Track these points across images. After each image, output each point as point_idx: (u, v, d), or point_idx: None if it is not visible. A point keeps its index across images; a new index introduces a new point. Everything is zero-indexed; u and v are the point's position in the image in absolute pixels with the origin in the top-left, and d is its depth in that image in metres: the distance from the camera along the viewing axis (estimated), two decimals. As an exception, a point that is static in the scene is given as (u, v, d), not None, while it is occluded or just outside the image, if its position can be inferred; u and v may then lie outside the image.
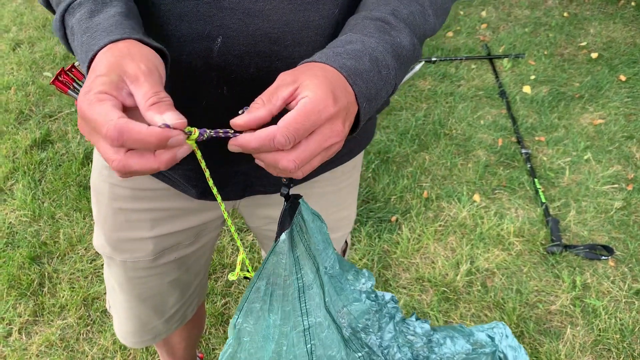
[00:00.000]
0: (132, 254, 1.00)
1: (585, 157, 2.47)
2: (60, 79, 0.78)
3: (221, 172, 0.87)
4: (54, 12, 0.70)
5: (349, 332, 1.16)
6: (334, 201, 1.04)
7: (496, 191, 2.33)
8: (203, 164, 0.65)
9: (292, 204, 0.83)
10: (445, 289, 1.95)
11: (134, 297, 1.07)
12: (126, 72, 0.53)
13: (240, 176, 0.89)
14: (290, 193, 0.81)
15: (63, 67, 0.78)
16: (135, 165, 0.51)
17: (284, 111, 0.57)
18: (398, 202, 2.27)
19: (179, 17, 0.67)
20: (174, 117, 0.51)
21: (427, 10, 0.71)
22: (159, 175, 0.90)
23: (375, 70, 0.62)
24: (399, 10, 0.68)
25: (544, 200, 2.24)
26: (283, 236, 0.81)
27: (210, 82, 0.72)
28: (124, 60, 0.54)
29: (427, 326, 1.48)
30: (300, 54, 0.71)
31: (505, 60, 3.04)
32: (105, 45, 0.56)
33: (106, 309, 1.85)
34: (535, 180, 2.33)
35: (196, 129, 0.55)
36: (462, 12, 3.54)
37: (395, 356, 1.31)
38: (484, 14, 3.52)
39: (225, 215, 0.76)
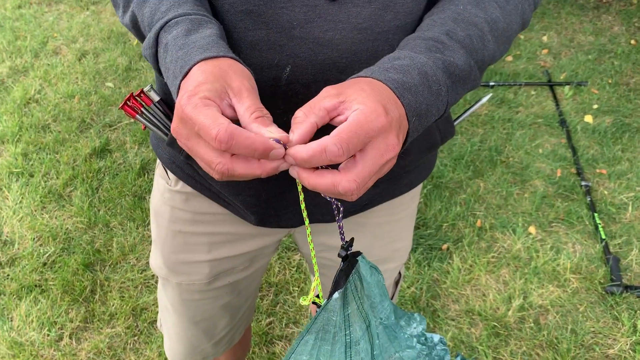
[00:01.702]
0: (188, 277, 1.00)
1: (650, 193, 2.35)
2: (129, 104, 0.79)
3: (279, 199, 0.86)
4: (138, 34, 0.71)
5: None
6: (390, 232, 1.02)
7: (553, 224, 2.24)
8: (300, 187, 0.64)
9: (349, 264, 0.82)
10: (495, 324, 1.88)
11: (186, 319, 1.08)
12: (230, 84, 0.55)
13: (299, 205, 0.87)
14: (350, 253, 0.80)
15: (132, 93, 0.78)
16: (239, 170, 0.52)
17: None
18: (450, 229, 2.21)
19: (251, 46, 0.68)
20: (278, 131, 0.53)
21: (487, 35, 0.68)
22: (219, 200, 0.91)
23: (425, 84, 0.60)
24: (455, 31, 0.66)
25: (604, 237, 2.14)
26: (336, 295, 0.81)
27: (276, 110, 0.71)
28: (228, 74, 0.55)
29: None
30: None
31: (567, 87, 2.95)
32: (203, 60, 0.57)
33: (154, 321, 1.88)
34: (595, 214, 2.23)
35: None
36: (522, 37, 3.46)
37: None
38: (545, 39, 3.43)
39: (309, 238, 0.75)
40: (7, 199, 2.35)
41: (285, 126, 0.72)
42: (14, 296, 1.96)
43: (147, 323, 1.86)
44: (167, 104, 0.81)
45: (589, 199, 2.31)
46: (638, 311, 1.91)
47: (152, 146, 0.96)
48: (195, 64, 0.57)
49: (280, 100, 0.71)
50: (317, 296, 0.87)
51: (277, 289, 1.99)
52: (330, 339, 0.90)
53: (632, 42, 3.36)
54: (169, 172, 0.94)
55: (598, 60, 3.20)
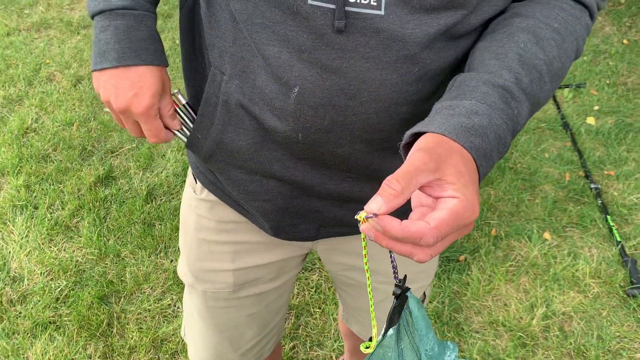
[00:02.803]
0: (213, 285, 1.03)
1: (660, 192, 2.36)
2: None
3: (294, 206, 0.87)
4: None
5: None
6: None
7: (567, 229, 2.24)
8: (364, 244, 0.65)
9: (402, 301, 0.83)
10: (521, 334, 1.86)
11: (212, 327, 1.09)
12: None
13: (314, 213, 0.89)
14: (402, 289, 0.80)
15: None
16: None
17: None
18: (465, 240, 2.20)
19: (264, 58, 0.70)
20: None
21: (545, 77, 0.67)
22: (238, 207, 0.93)
23: (497, 150, 0.61)
24: (522, 79, 0.65)
25: (619, 239, 2.15)
26: (391, 331, 0.82)
27: (287, 127, 0.74)
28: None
29: None
30: (377, 110, 0.71)
31: (566, 90, 2.96)
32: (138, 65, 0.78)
33: (176, 352, 1.83)
34: (608, 217, 2.24)
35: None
36: (517, 41, 3.49)
37: None
38: (539, 42, 3.46)
39: (368, 282, 0.74)
40: (13, 233, 2.30)
41: (296, 146, 0.77)
42: (29, 334, 1.91)
43: (169, 354, 1.82)
44: (193, 109, 0.87)
45: (600, 202, 2.32)
46: (661, 313, 1.91)
47: (188, 153, 1.01)
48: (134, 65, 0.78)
49: (290, 118, 0.73)
50: (370, 339, 0.87)
51: (298, 311, 1.96)
52: None
53: (625, 41, 3.39)
54: (197, 179, 0.98)
55: (594, 62, 3.23)
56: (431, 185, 0.54)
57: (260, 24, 0.68)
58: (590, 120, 2.77)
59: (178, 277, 2.06)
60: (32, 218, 2.33)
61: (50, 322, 1.94)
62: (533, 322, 1.90)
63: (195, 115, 0.86)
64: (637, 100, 2.88)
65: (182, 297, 2.01)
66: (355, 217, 0.54)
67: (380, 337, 0.84)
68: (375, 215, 0.52)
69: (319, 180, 0.83)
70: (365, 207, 0.52)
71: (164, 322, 1.93)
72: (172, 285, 2.06)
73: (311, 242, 1.01)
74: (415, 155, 0.55)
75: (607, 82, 3.04)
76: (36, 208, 2.38)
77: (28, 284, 2.09)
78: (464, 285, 2.04)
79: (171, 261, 2.15)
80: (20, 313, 1.98)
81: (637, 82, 3.04)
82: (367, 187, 0.84)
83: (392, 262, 0.72)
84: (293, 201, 0.87)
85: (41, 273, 2.12)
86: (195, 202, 1.00)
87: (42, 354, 1.84)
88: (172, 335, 1.90)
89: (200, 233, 1.01)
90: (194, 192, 1.00)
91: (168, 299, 2.02)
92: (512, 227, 2.24)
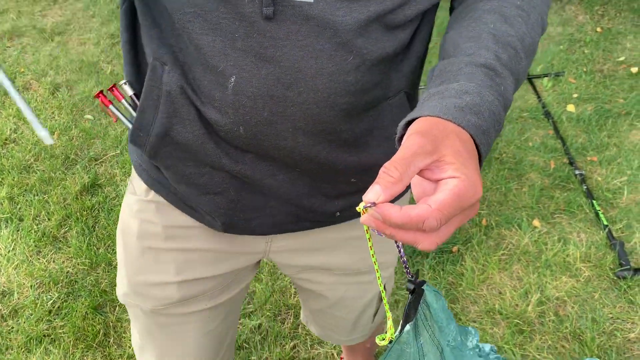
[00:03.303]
0: (158, 301, 0.96)
1: (642, 176, 2.42)
2: (104, 94, 0.84)
3: (246, 199, 0.85)
4: None
5: None
6: (367, 244, 1.01)
7: (555, 215, 2.28)
8: (368, 233, 0.61)
9: (417, 296, 0.81)
10: (517, 321, 1.89)
11: (164, 350, 1.03)
12: None
13: (267, 208, 0.86)
14: (416, 284, 0.79)
15: (113, 85, 0.85)
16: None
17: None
18: (457, 231, 2.22)
19: (198, 49, 0.69)
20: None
21: (520, 54, 0.68)
22: (187, 208, 0.88)
23: (493, 127, 0.60)
24: (500, 55, 0.65)
25: (605, 223, 2.19)
26: (407, 327, 0.80)
27: (228, 119, 0.73)
28: None
29: None
30: (316, 100, 0.70)
31: (545, 79, 3.01)
32: None
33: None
34: (594, 202, 2.28)
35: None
36: (494, 33, 3.53)
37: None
38: (515, 33, 3.51)
39: (377, 274, 0.73)
40: (-1, 247, 2.25)
41: (238, 139, 0.74)
42: (23, 349, 1.87)
43: (169, 361, 1.80)
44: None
45: (585, 187, 2.36)
46: (651, 293, 1.96)
47: (129, 152, 0.95)
48: None
49: (229, 110, 0.72)
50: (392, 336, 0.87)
51: (296, 310, 1.96)
52: None
53: (598, 29, 3.46)
54: (141, 181, 0.92)
55: (570, 50, 3.29)
56: (430, 169, 0.52)
57: (192, 13, 0.67)
58: (571, 107, 2.82)
59: (173, 283, 2.04)
60: (18, 230, 2.28)
61: (44, 336, 1.90)
62: (528, 309, 1.93)
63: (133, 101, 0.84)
64: (614, 87, 2.94)
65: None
66: (357, 209, 0.52)
67: (398, 333, 0.82)
68: (374, 204, 0.50)
69: (267, 174, 0.81)
70: (363, 197, 0.51)
71: (161, 329, 1.91)
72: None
73: (264, 248, 0.97)
74: (410, 139, 0.53)
75: (584, 69, 3.09)
76: (21, 220, 2.33)
77: (18, 298, 2.05)
78: (458, 276, 2.06)
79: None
80: (12, 328, 1.94)
81: (613, 68, 3.10)
82: (315, 187, 0.83)
83: (401, 257, 0.70)
84: (245, 194, 0.84)
85: (31, 286, 2.07)
86: (138, 205, 0.93)
87: (38, 368, 1.81)
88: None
89: (145, 240, 0.94)
90: (138, 194, 0.94)
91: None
92: (502, 216, 2.27)
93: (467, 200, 0.51)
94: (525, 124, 2.75)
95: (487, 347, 1.40)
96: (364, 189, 0.53)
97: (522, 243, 2.16)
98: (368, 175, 0.78)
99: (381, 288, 0.80)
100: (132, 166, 0.95)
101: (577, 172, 2.44)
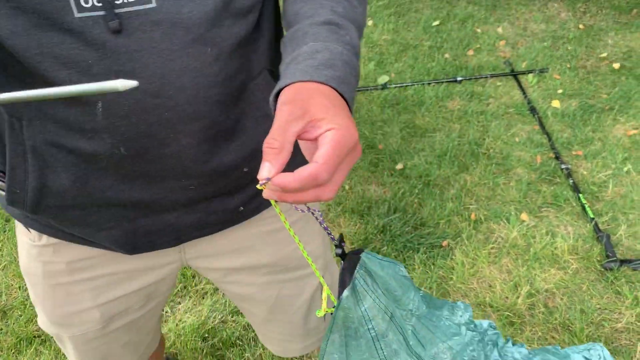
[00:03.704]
0: (80, 327, 0.96)
1: (626, 169, 2.46)
2: None
3: (143, 225, 0.84)
4: None
5: None
6: (289, 237, 1.00)
7: (543, 209, 2.31)
8: (283, 217, 0.67)
9: (351, 262, 0.84)
10: (508, 313, 1.91)
11: None
12: None
13: (168, 227, 0.86)
14: (347, 252, 0.83)
15: None
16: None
17: None
18: (447, 226, 2.24)
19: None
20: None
21: (353, 2, 0.74)
22: (84, 241, 0.87)
23: (350, 73, 0.65)
24: (336, 9, 0.70)
25: (592, 216, 2.23)
26: (345, 292, 0.83)
27: (105, 145, 0.72)
28: None
29: (524, 350, 1.46)
30: (187, 99, 0.71)
31: (530, 75, 3.05)
32: None
33: (172, 353, 1.81)
34: (580, 195, 2.32)
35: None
36: (479, 30, 3.56)
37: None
38: (500, 30, 3.54)
39: (298, 240, 0.75)
40: (-14, 248, 2.22)
41: (121, 161, 0.73)
42: (13, 350, 1.85)
43: (164, 358, 1.79)
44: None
45: (571, 181, 2.40)
46: (637, 283, 1.99)
47: (1, 205, 0.88)
48: None
49: (105, 134, 0.71)
50: (334, 306, 0.88)
51: (289, 306, 1.96)
52: (354, 334, 0.91)
53: (581, 26, 3.51)
54: (29, 228, 0.89)
55: (553, 47, 3.33)
56: (307, 131, 0.57)
57: (38, 53, 0.65)
58: (556, 103, 2.86)
59: (164, 281, 2.04)
60: (5, 232, 2.25)
61: (34, 337, 1.88)
62: (518, 301, 1.95)
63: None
64: (597, 82, 2.99)
65: (169, 301, 1.99)
66: (258, 187, 0.56)
67: (337, 300, 0.84)
68: (269, 179, 0.54)
69: (160, 195, 0.80)
70: (257, 176, 0.55)
71: (153, 328, 1.90)
72: (158, 290, 2.03)
73: (179, 257, 0.97)
74: (280, 110, 0.57)
75: (568, 66, 3.14)
76: (7, 221, 2.30)
77: (7, 300, 2.03)
78: (449, 270, 2.08)
79: (155, 266, 2.12)
80: (1, 329, 1.92)
81: (596, 65, 3.15)
82: (210, 189, 0.82)
83: (321, 223, 0.75)
84: (141, 221, 0.83)
85: (19, 287, 2.05)
86: (35, 250, 0.91)
87: (29, 370, 1.79)
88: (167, 334, 1.87)
89: (52, 279, 0.92)
90: (31, 240, 0.91)
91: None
92: (491, 211, 2.30)
93: (346, 145, 0.56)
94: (512, 120, 2.78)
95: (485, 323, 1.42)
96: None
97: (511, 237, 2.19)
98: (256, 161, 0.82)
99: (317, 274, 0.82)
100: (16, 220, 0.91)
101: (563, 166, 2.48)
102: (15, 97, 0.53)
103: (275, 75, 0.83)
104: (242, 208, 0.90)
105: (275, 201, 0.60)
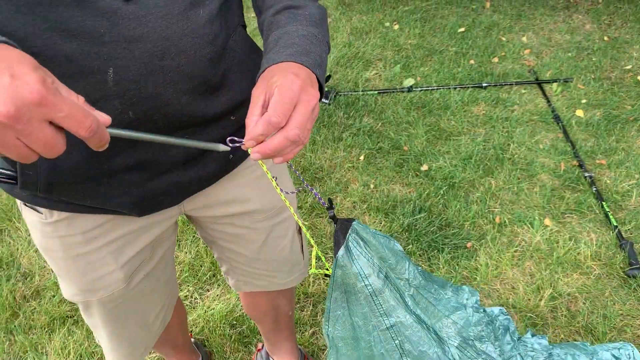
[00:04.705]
0: (106, 289, 1.02)
1: (649, 180, 2.48)
2: None
3: (150, 189, 0.90)
4: None
5: (459, 340, 1.19)
6: (278, 181, 1.10)
7: (566, 215, 2.34)
8: (265, 168, 0.84)
9: (342, 225, 0.94)
10: (531, 315, 1.94)
11: (118, 325, 1.11)
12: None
13: (171, 186, 0.93)
14: (339, 217, 0.94)
15: None
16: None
17: None
18: (472, 227, 2.27)
19: (67, 59, 0.71)
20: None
21: None
22: (95, 210, 0.92)
23: (308, 43, 0.80)
24: None
25: (615, 224, 2.25)
26: (341, 251, 0.93)
27: (115, 110, 0.77)
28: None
29: (544, 341, 1.48)
30: (188, 60, 0.79)
31: (555, 84, 3.08)
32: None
33: (199, 340, 1.85)
34: (604, 203, 2.34)
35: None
36: (504, 38, 3.59)
37: (519, 364, 1.33)
38: (524, 39, 3.57)
39: (292, 210, 0.89)
40: (20, 230, 2.27)
41: (129, 124, 0.79)
42: (46, 329, 1.90)
43: (193, 342, 1.83)
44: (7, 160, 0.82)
45: (594, 189, 2.42)
46: (659, 291, 2.01)
47: (6, 190, 0.92)
48: None
49: (116, 101, 0.76)
50: (327, 268, 0.98)
51: (315, 299, 2.00)
52: (352, 290, 0.98)
53: (605, 38, 3.54)
54: (37, 207, 0.93)
55: (578, 57, 3.36)
56: (269, 96, 0.71)
57: (48, 28, 0.68)
58: (580, 112, 2.88)
59: (193, 269, 2.08)
60: (38, 215, 2.30)
61: (67, 317, 1.93)
62: (541, 303, 1.98)
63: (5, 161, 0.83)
64: (622, 94, 3.01)
65: (198, 288, 2.03)
66: (242, 148, 0.72)
67: (334, 260, 0.93)
68: (241, 141, 0.73)
69: (161, 152, 0.87)
70: (246, 145, 0.71)
71: (188, 306, 1.94)
72: (187, 277, 2.07)
73: (178, 210, 1.05)
74: (252, 95, 0.74)
75: (593, 76, 3.16)
76: (41, 205, 2.35)
77: (40, 280, 2.08)
78: (473, 271, 2.11)
79: (185, 253, 2.17)
80: (35, 309, 1.97)
81: (620, 76, 3.17)
82: (202, 138, 0.87)
83: (311, 189, 0.87)
84: (147, 185, 0.89)
85: (52, 269, 2.10)
86: (49, 227, 0.94)
87: (62, 349, 1.84)
88: (192, 325, 1.91)
89: (71, 251, 0.97)
90: (43, 219, 0.93)
91: (185, 291, 2.03)
92: (515, 215, 2.32)
93: (289, 90, 0.70)
94: (536, 127, 2.81)
95: (495, 310, 1.45)
96: (244, 124, 0.76)
97: (534, 241, 2.21)
98: (242, 110, 0.94)
99: (296, 217, 0.93)
100: (22, 201, 0.94)
101: (586, 174, 2.50)
102: (124, 134, 0.63)
103: (245, 28, 0.96)
104: (231, 156, 0.99)
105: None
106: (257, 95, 0.72)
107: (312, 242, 0.91)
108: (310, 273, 0.99)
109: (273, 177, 0.84)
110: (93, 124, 0.55)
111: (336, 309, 1.02)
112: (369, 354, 1.04)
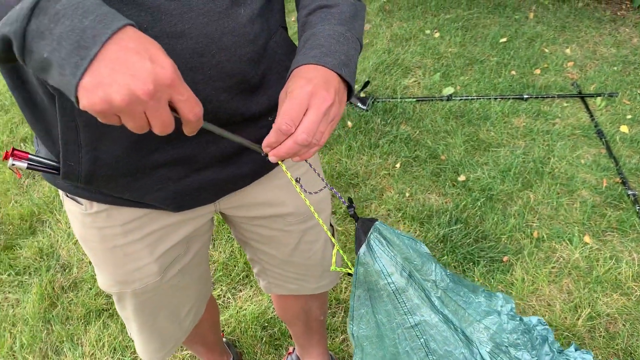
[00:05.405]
0: (141, 281, 1.04)
1: (696, 201, 2.40)
2: (15, 154, 0.83)
3: (187, 184, 0.92)
4: None
5: (491, 345, 1.16)
6: (306, 184, 1.09)
7: (607, 233, 2.28)
8: (284, 167, 0.87)
9: (364, 223, 0.95)
10: (567, 334, 1.89)
11: (150, 317, 1.12)
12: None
13: (207, 182, 0.94)
14: (362, 217, 0.95)
15: (12, 148, 0.83)
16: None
17: None
18: (509, 241, 2.23)
19: None
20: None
21: None
22: (134, 203, 0.94)
23: (335, 43, 0.81)
24: None
25: (659, 244, 2.18)
26: (363, 248, 0.93)
27: None
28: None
29: (589, 357, 1.44)
30: (227, 57, 0.80)
31: (599, 99, 3.01)
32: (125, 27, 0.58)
33: (232, 331, 1.86)
34: (647, 223, 2.27)
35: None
36: (547, 50, 3.53)
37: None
38: (568, 51, 3.50)
39: (312, 209, 0.90)
40: (60, 222, 2.33)
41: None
42: (82, 321, 1.94)
43: (225, 342, 1.85)
44: (36, 155, 0.84)
45: (638, 208, 2.35)
46: None
47: (49, 181, 0.95)
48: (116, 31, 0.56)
49: None
50: (349, 267, 0.98)
51: (347, 305, 1.99)
52: (375, 287, 0.98)
53: (653, 53, 3.44)
54: (78, 198, 0.94)
55: (624, 72, 3.28)
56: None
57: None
58: (624, 128, 2.81)
59: (227, 269, 2.10)
60: (78, 208, 2.35)
61: (103, 310, 1.97)
62: (578, 323, 1.93)
63: (40, 156, 0.84)
64: (669, 111, 2.92)
65: (231, 288, 2.05)
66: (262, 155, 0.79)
67: (356, 257, 0.95)
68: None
69: (199, 149, 0.88)
70: (266, 146, 0.78)
71: (220, 305, 1.96)
72: (221, 277, 2.09)
73: (213, 208, 1.06)
74: (280, 97, 0.79)
75: (639, 92, 3.08)
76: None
77: (77, 272, 2.12)
78: (508, 285, 2.07)
79: (220, 253, 2.18)
80: (72, 300, 2.01)
81: (668, 93, 3.08)
82: (242, 135, 0.86)
83: (331, 189, 0.89)
84: (184, 181, 0.91)
85: (90, 262, 2.14)
86: (89, 218, 0.96)
87: (96, 341, 1.87)
88: (224, 325, 1.93)
89: (109, 243, 0.99)
90: (83, 210, 0.96)
91: (218, 290, 2.05)
92: (553, 230, 2.28)
93: (298, 96, 0.74)
94: (578, 142, 2.75)
95: (533, 320, 1.42)
96: None
97: (573, 258, 2.16)
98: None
99: (320, 222, 0.92)
100: (63, 192, 0.96)
101: (630, 192, 2.44)
102: (213, 129, 0.74)
103: (287, 30, 0.97)
104: (267, 158, 1.00)
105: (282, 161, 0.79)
106: (282, 99, 0.77)
107: (334, 240, 0.92)
108: (331, 270, 0.99)
109: (297, 179, 0.88)
110: (200, 111, 0.64)
111: (360, 307, 1.01)
112: (394, 352, 1.04)
